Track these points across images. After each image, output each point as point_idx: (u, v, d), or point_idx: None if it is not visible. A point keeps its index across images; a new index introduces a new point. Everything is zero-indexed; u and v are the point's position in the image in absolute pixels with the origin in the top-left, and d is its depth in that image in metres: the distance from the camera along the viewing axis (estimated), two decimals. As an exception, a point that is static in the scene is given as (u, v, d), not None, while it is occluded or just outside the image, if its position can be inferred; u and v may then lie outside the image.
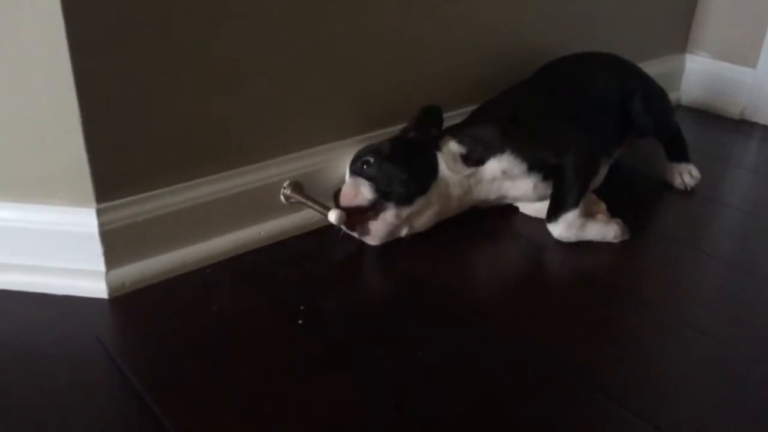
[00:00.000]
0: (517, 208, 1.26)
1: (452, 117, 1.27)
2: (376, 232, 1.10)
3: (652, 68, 1.71)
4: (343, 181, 1.15)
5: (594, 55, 1.43)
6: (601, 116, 1.29)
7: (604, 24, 1.61)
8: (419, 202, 1.12)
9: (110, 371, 0.85)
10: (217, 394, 0.82)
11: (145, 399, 0.80)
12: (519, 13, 1.40)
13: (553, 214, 1.14)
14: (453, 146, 1.17)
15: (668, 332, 0.97)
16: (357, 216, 1.09)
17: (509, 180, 1.18)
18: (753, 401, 0.85)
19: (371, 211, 1.09)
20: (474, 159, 1.17)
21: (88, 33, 0.87)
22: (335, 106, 1.17)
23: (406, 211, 1.11)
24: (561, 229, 1.14)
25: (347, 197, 1.09)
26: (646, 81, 1.40)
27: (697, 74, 1.88)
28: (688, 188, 1.38)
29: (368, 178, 1.10)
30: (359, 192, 1.09)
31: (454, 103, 1.33)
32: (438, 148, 1.17)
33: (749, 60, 1.77)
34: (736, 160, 1.59)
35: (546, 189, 1.19)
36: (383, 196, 1.09)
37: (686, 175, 1.38)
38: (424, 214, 1.14)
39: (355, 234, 1.11)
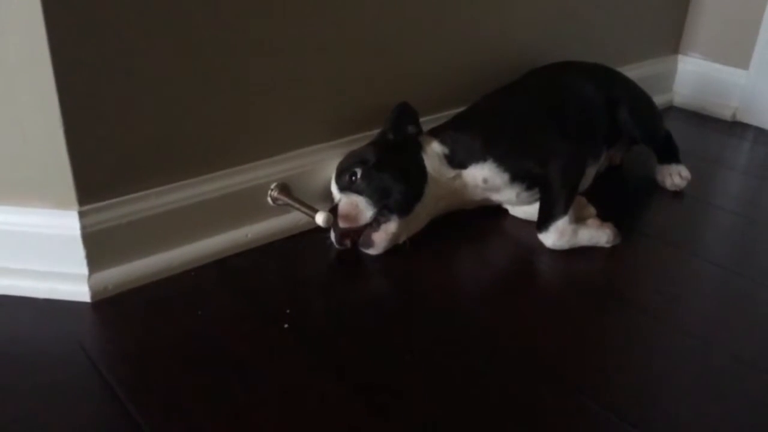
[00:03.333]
0: (506, 210, 1.25)
1: (439, 119, 1.26)
2: (380, 242, 1.09)
3: (644, 69, 1.72)
4: (329, 185, 1.15)
5: (579, 63, 1.42)
6: (585, 124, 1.28)
7: (596, 25, 1.61)
8: (416, 207, 1.11)
9: (92, 376, 0.84)
10: (201, 400, 0.80)
11: (126, 405, 0.79)
12: (510, 16, 1.39)
13: (544, 224, 1.13)
14: (436, 147, 1.16)
15: (660, 336, 0.97)
16: (354, 232, 1.08)
17: (491, 189, 1.18)
18: (745, 406, 0.84)
19: (372, 224, 1.08)
20: (457, 161, 1.16)
21: (69, 34, 0.86)
22: (323, 108, 1.16)
23: (406, 220, 1.10)
24: (553, 238, 1.13)
25: (348, 219, 1.07)
26: (632, 90, 1.40)
27: (690, 75, 1.87)
28: (678, 189, 1.38)
29: (360, 192, 1.08)
30: (359, 212, 1.07)
31: (440, 106, 1.32)
32: (422, 148, 1.16)
33: (741, 61, 1.77)
34: (728, 162, 1.59)
35: (529, 197, 1.19)
36: (382, 208, 1.08)
37: (676, 176, 1.38)
38: (419, 218, 1.13)
39: (340, 246, 1.09)
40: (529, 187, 1.17)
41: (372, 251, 1.09)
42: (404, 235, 1.11)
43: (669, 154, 1.41)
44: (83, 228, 0.94)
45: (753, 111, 1.77)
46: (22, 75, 0.87)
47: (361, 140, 1.20)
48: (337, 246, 1.09)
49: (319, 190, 1.17)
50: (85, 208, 0.94)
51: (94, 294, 0.96)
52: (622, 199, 1.36)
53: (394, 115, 1.17)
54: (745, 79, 1.77)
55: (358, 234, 1.09)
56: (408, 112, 1.18)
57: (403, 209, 1.09)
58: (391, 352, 0.90)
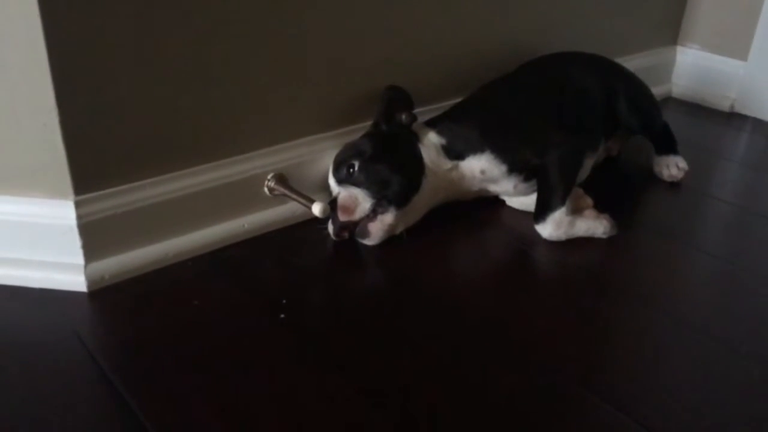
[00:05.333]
0: (503, 201, 1.25)
1: (436, 110, 1.26)
2: (376, 233, 1.09)
3: (642, 60, 1.72)
4: (326, 175, 1.14)
5: (577, 54, 1.42)
6: (583, 115, 1.28)
7: (595, 16, 1.60)
8: (414, 199, 1.11)
9: (88, 366, 0.83)
10: (197, 390, 0.80)
11: (123, 395, 0.79)
12: (507, 6, 1.39)
13: (541, 214, 1.13)
14: (433, 138, 1.16)
15: (658, 328, 0.97)
16: (352, 224, 1.08)
17: (489, 180, 1.17)
18: (744, 396, 0.84)
19: (369, 215, 1.08)
20: (454, 152, 1.15)
21: (65, 23, 0.85)
22: (319, 99, 1.16)
23: (403, 211, 1.10)
24: (550, 229, 1.13)
25: (347, 211, 1.07)
26: (630, 80, 1.39)
27: (688, 66, 1.87)
28: (676, 180, 1.38)
29: (358, 184, 1.08)
30: (358, 204, 1.06)
31: (438, 96, 1.32)
32: (419, 140, 1.15)
33: (740, 52, 1.77)
34: (726, 153, 1.59)
35: (527, 188, 1.19)
36: (381, 199, 1.07)
37: (674, 167, 1.38)
38: (416, 210, 1.13)
39: (338, 238, 1.09)
40: (526, 179, 1.17)
41: (368, 241, 1.09)
42: (401, 226, 1.11)
43: (667, 145, 1.41)
44: (79, 218, 0.93)
45: (751, 102, 1.77)
46: (18, 64, 0.86)
47: (358, 131, 1.19)
48: (334, 238, 1.09)
49: (316, 180, 1.16)
50: (81, 197, 0.94)
51: (90, 284, 0.96)
52: (619, 191, 1.36)
53: (383, 104, 1.17)
54: (744, 70, 1.76)
55: (356, 226, 1.09)
56: (396, 98, 1.18)
57: (401, 201, 1.09)
58: (388, 344, 0.90)
